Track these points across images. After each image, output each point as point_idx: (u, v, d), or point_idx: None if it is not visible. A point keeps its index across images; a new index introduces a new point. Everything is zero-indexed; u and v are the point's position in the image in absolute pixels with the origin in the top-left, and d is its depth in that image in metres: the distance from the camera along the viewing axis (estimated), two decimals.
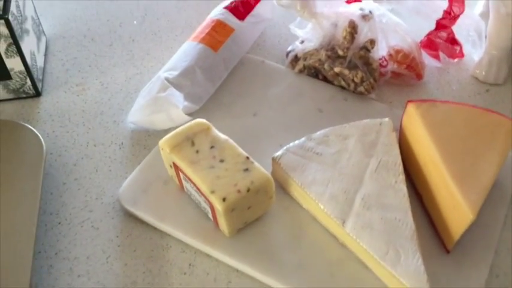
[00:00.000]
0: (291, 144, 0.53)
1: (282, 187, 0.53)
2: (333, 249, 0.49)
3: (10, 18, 0.55)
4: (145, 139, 0.58)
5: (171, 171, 0.52)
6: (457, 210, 0.45)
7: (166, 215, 0.51)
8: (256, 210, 0.49)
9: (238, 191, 0.46)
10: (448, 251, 0.48)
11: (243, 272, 0.48)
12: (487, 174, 0.47)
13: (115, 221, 0.51)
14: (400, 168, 0.50)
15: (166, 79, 0.58)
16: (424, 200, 0.52)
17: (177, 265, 0.49)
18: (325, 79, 0.64)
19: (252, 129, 0.59)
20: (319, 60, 0.63)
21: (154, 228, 0.51)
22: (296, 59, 0.66)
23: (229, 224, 0.48)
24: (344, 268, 0.48)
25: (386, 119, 0.54)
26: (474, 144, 0.49)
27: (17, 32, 0.57)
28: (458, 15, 0.65)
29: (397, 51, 0.63)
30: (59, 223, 0.51)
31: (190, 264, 0.49)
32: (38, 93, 0.62)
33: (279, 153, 0.52)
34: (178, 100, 0.56)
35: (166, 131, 0.57)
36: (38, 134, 0.54)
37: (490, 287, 0.47)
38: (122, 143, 0.58)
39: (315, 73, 0.65)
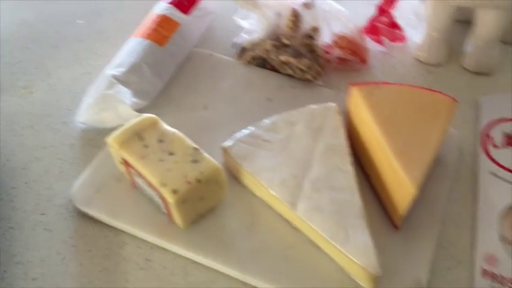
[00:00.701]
0: (240, 133, 0.54)
1: (234, 176, 0.54)
2: (287, 233, 0.50)
3: None
4: (96, 138, 0.58)
5: (122, 168, 0.52)
6: (401, 186, 0.47)
7: (120, 212, 0.51)
8: (209, 201, 0.50)
9: (189, 182, 0.46)
10: (396, 227, 0.50)
11: (200, 263, 0.49)
12: (428, 150, 0.49)
13: (68, 222, 0.51)
14: (347, 150, 0.52)
15: (113, 76, 0.58)
16: (372, 180, 0.53)
17: (133, 261, 0.49)
18: (273, 68, 0.65)
19: (203, 122, 0.59)
20: (266, 50, 0.64)
21: (109, 227, 0.51)
22: (243, 50, 0.66)
23: (183, 216, 0.48)
24: (298, 251, 0.49)
25: (332, 104, 0.56)
26: (415, 123, 0.51)
27: None
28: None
29: (341, 38, 0.65)
30: (11, 228, 0.51)
31: (146, 260, 0.49)
32: None
33: (228, 142, 0.53)
34: (125, 97, 0.56)
35: (117, 129, 0.57)
36: None
37: (438, 259, 0.49)
38: (72, 144, 0.58)
39: (262, 63, 0.66)
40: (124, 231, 0.50)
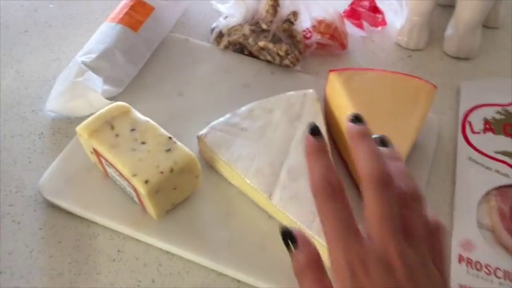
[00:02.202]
0: (216, 121, 0.52)
1: (210, 165, 0.52)
2: (263, 223, 0.49)
3: None
4: (66, 127, 0.56)
5: (93, 158, 0.50)
6: None
7: (92, 203, 0.49)
8: (183, 191, 0.48)
9: (161, 172, 0.45)
10: None
11: (174, 254, 0.47)
12: (406, 136, 0.48)
13: (38, 214, 0.49)
14: (325, 137, 0.50)
15: (84, 63, 0.55)
16: (349, 167, 0.52)
17: (105, 252, 0.47)
18: (250, 54, 0.64)
19: (178, 109, 0.57)
20: (244, 35, 0.63)
21: (80, 218, 0.49)
22: (221, 35, 0.65)
23: (156, 207, 0.47)
24: (274, 240, 0.47)
25: (310, 90, 0.55)
26: (394, 109, 0.50)
27: None
28: None
29: (320, 22, 0.63)
30: None
31: (119, 251, 0.48)
32: None
33: (203, 131, 0.51)
34: (96, 84, 0.54)
35: (88, 117, 0.55)
36: None
37: None
38: (42, 133, 0.56)
39: (240, 49, 0.64)
40: (96, 222, 0.49)
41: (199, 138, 0.51)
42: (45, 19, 0.67)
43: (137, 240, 0.48)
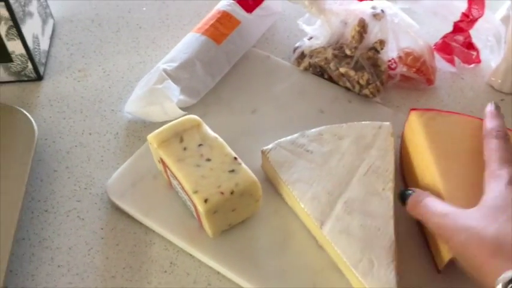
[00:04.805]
0: (284, 138, 0.51)
1: (270, 182, 0.51)
2: (317, 257, 0.47)
3: (11, 0, 0.55)
4: (140, 130, 0.57)
5: (160, 167, 0.51)
6: None
7: (152, 211, 0.50)
8: (242, 213, 0.48)
9: (222, 193, 0.45)
10: (438, 271, 0.46)
11: (224, 275, 0.47)
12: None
13: (101, 213, 0.51)
14: (391, 175, 0.48)
15: (164, 71, 0.57)
16: None
17: (158, 263, 0.48)
18: (330, 79, 0.62)
19: (249, 126, 0.57)
20: (326, 58, 0.61)
21: (140, 223, 0.50)
22: (302, 56, 0.63)
23: (212, 226, 0.47)
24: (326, 278, 0.46)
25: (387, 123, 0.52)
26: (477, 162, 0.46)
27: (18, 14, 0.56)
28: (477, 19, 0.61)
29: (407, 54, 0.60)
30: (46, 211, 0.51)
31: (171, 263, 0.48)
32: (39, 77, 0.62)
33: (269, 146, 0.51)
34: (173, 93, 0.55)
35: (163, 124, 0.56)
36: (31, 118, 0.54)
37: None
38: (117, 133, 0.57)
39: (320, 72, 0.62)
40: (153, 230, 0.50)
41: (263, 152, 0.50)
42: (137, 21, 0.69)
43: (190, 255, 0.48)
